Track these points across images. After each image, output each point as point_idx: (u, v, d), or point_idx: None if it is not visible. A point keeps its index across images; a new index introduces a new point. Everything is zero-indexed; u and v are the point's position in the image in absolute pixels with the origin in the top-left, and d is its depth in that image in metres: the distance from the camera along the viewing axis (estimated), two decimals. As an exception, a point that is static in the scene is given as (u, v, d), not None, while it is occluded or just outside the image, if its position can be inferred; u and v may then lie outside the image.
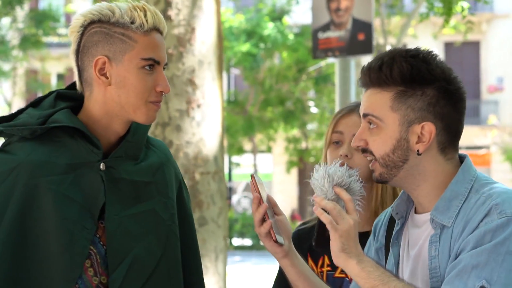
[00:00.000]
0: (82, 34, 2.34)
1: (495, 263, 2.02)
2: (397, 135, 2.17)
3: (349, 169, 2.28)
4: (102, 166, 2.36)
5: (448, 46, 29.23)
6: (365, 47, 7.72)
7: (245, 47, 22.42)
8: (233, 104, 25.15)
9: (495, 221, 2.06)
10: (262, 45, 22.80)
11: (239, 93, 25.72)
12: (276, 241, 2.37)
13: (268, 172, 32.34)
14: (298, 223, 19.00)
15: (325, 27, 7.87)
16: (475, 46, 31.80)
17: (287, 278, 2.58)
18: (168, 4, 6.26)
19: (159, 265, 2.41)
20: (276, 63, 24.14)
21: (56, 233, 2.27)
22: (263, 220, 2.37)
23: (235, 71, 26.77)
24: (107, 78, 2.33)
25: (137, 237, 2.37)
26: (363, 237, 2.75)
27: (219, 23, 6.04)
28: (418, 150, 2.17)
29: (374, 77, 2.19)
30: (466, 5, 7.88)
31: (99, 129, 2.37)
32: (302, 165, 28.98)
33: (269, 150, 29.26)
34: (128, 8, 2.31)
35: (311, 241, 2.88)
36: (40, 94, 33.42)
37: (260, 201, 2.37)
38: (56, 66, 31.31)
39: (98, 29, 2.32)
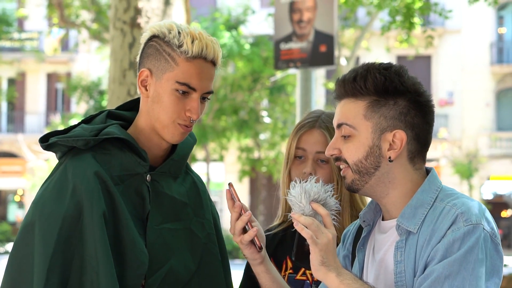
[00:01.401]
0: (144, 45, 2.48)
1: (466, 272, 2.11)
2: (369, 142, 2.26)
3: (324, 185, 2.35)
4: (148, 178, 2.47)
5: (401, 59, 29.54)
6: (327, 58, 7.80)
7: (200, 55, 22.38)
8: (186, 113, 24.99)
9: (461, 229, 2.15)
10: (217, 54, 22.78)
11: (193, 102, 25.66)
12: (260, 248, 2.44)
13: (220, 181, 32.31)
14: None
15: (287, 38, 7.94)
16: (426, 60, 32.19)
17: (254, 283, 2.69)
18: (137, 12, 6.29)
19: (192, 280, 2.50)
20: (230, 72, 24.17)
21: (123, 232, 2.39)
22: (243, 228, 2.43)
23: (189, 80, 26.72)
24: (146, 90, 2.46)
25: (174, 251, 2.47)
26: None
27: (189, 32, 6.07)
28: (389, 157, 2.26)
29: (348, 88, 2.29)
30: (418, 20, 8.02)
31: (143, 141, 2.49)
32: (254, 174, 29.02)
33: (221, 159, 29.24)
34: (184, 32, 2.41)
35: (274, 247, 3.00)
36: (-10, 99, 33.07)
37: (242, 209, 2.43)
38: (7, 70, 30.97)
39: (154, 43, 2.44)
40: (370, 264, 2.38)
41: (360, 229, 2.48)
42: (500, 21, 34.14)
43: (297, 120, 7.93)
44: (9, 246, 29.19)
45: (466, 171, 30.22)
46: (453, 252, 2.14)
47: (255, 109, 24.92)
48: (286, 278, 2.93)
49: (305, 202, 2.30)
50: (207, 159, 26.93)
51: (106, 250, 2.31)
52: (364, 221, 2.42)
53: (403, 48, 20.85)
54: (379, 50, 25.22)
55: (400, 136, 2.25)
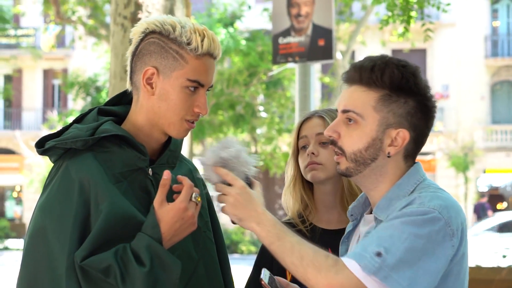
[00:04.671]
0: (141, 40, 2.45)
1: (398, 239, 2.14)
2: (373, 134, 2.30)
3: (229, 142, 2.38)
4: (150, 171, 2.48)
5: (396, 53, 29.54)
6: (325, 53, 7.81)
7: (197, 51, 22.33)
8: (183, 108, 24.86)
9: (413, 208, 2.19)
10: (214, 49, 22.73)
11: (189, 97, 25.60)
12: None
13: (217, 176, 32.25)
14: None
15: (286, 33, 7.95)
16: (421, 53, 32.21)
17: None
18: (138, 7, 6.31)
19: (197, 269, 2.53)
20: (226, 67, 24.16)
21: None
22: None
23: (185, 75, 26.65)
24: (152, 88, 2.45)
25: (178, 242, 2.45)
26: (333, 235, 2.89)
27: (189, 27, 6.12)
28: (389, 153, 2.30)
29: (364, 76, 2.31)
30: (415, 13, 8.04)
31: (142, 136, 2.49)
32: (251, 169, 29.03)
33: (218, 154, 29.23)
34: (189, 29, 2.41)
35: None
36: (-14, 95, 33.05)
37: None
38: (4, 67, 30.93)
39: (157, 40, 2.43)
40: None
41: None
42: (494, 14, 34.19)
43: (295, 114, 7.95)
44: (8, 242, 29.17)
45: (462, 164, 30.27)
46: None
47: (252, 103, 24.91)
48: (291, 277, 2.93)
49: (209, 171, 2.35)
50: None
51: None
52: (351, 215, 2.48)
53: (398, 42, 20.95)
54: (374, 44, 25.29)
55: (403, 135, 2.29)
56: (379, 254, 2.12)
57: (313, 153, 2.97)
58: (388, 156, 2.30)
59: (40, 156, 2.25)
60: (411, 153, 2.34)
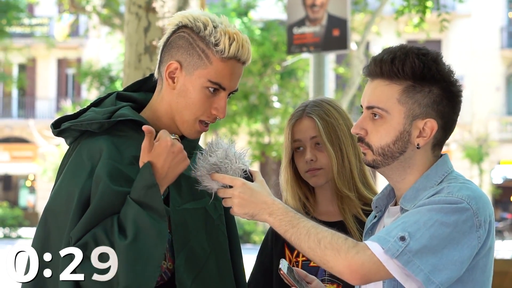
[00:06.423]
0: (173, 32, 2.44)
1: (423, 225, 2.13)
2: (400, 127, 2.27)
3: (217, 144, 2.38)
4: None
5: (411, 44, 29.30)
6: (340, 43, 7.81)
7: (211, 41, 22.34)
8: (197, 98, 24.88)
9: (440, 197, 2.18)
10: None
11: (203, 87, 25.61)
12: None
13: (230, 166, 32.28)
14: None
15: (300, 23, 7.95)
16: (436, 44, 32.08)
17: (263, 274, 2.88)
18: (153, -4, 6.31)
19: (208, 261, 2.52)
20: (240, 57, 24.15)
21: None
22: None
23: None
24: (173, 82, 2.43)
25: (192, 231, 2.48)
26: (334, 226, 2.88)
27: (204, 16, 6.11)
28: (418, 144, 2.28)
29: (385, 69, 2.28)
30: (430, 4, 8.01)
31: (161, 126, 2.46)
32: (264, 159, 29.05)
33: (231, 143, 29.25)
34: (220, 30, 2.38)
35: None
36: (1, 84, 33.18)
37: None
38: (18, 56, 30.97)
39: (186, 35, 2.41)
40: None
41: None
42: (510, 5, 34.04)
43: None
44: (21, 231, 29.33)
45: (477, 155, 30.21)
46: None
47: (265, 94, 24.90)
48: (300, 264, 2.96)
49: (206, 181, 2.34)
50: (217, 144, 26.95)
51: None
52: (376, 206, 2.45)
53: (413, 33, 20.86)
54: (389, 35, 25.17)
55: (431, 125, 2.27)
56: (403, 239, 2.12)
57: (311, 160, 2.97)
58: (418, 148, 2.29)
59: (54, 144, 2.24)
60: (439, 142, 2.33)
